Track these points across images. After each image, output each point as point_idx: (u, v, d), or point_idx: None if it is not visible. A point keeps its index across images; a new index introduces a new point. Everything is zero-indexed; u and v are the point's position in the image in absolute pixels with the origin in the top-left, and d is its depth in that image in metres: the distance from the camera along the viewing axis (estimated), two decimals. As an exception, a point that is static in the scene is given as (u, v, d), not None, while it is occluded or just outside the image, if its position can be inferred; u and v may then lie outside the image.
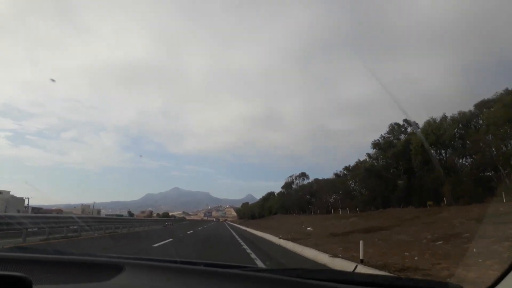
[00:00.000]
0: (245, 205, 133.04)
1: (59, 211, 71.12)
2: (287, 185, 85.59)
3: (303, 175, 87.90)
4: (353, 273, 2.33)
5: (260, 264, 8.08)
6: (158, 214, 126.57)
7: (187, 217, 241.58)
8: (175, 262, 1.85)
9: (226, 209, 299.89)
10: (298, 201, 72.74)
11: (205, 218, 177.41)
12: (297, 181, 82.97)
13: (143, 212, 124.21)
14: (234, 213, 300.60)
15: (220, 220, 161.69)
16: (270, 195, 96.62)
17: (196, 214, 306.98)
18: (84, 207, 71.87)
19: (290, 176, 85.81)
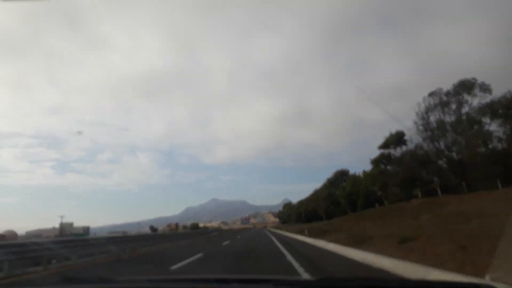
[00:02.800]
0: (288, 205, 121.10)
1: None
2: (330, 184, 74.24)
3: (343, 173, 75.85)
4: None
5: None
6: (184, 226, 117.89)
7: (226, 227, 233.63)
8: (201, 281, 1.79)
9: (265, 214, 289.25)
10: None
11: (243, 226, 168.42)
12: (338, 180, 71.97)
13: (169, 225, 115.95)
14: (274, 219, 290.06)
15: (260, 227, 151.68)
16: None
17: (235, 223, 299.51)
18: (65, 226, 61.19)
19: (334, 174, 73.84)
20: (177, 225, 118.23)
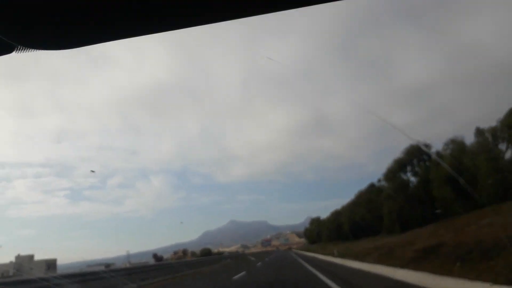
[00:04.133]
0: (316, 221, 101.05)
1: None
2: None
3: (372, 186, 59.51)
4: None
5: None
6: (193, 253, 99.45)
7: (245, 251, 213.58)
8: None
9: (287, 235, 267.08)
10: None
11: (265, 248, 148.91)
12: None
13: (176, 253, 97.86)
14: (298, 239, 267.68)
15: (283, 249, 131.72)
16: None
17: (256, 246, 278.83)
18: (22, 260, 46.51)
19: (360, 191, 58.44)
20: (184, 252, 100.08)
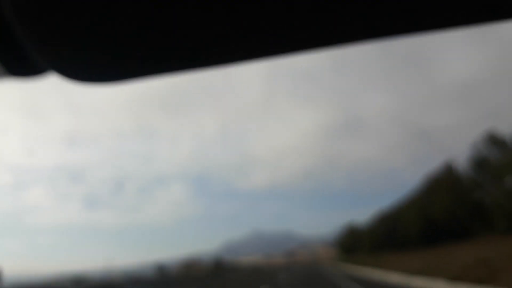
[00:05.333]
0: (351, 228, 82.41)
1: None
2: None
3: (449, 168, 44.69)
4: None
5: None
6: (198, 263, 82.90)
7: (266, 262, 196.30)
8: None
9: (314, 245, 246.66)
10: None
11: (288, 259, 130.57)
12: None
13: (186, 265, 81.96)
14: (325, 250, 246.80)
15: (308, 261, 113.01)
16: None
17: (279, 257, 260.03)
18: None
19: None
20: (191, 263, 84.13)
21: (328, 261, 73.54)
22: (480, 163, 28.69)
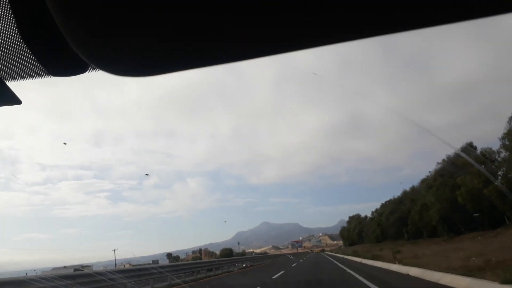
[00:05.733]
0: (356, 219, 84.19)
1: None
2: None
3: (400, 200, 42.73)
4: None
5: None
6: (211, 253, 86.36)
7: (275, 252, 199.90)
8: None
9: (320, 237, 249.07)
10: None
11: (294, 250, 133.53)
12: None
13: (194, 253, 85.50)
14: (330, 241, 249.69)
15: (316, 251, 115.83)
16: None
17: (288, 247, 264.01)
18: None
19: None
20: (200, 252, 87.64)
21: (332, 251, 75.91)
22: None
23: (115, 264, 56.48)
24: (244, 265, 26.10)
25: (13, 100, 0.84)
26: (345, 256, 29.27)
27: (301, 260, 29.19)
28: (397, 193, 56.86)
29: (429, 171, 31.71)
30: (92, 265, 56.30)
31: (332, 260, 25.61)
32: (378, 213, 53.68)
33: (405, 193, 42.08)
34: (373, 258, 16.86)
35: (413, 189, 39.80)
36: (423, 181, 31.79)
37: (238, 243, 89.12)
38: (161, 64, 0.49)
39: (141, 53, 0.46)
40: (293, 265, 22.23)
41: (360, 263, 16.34)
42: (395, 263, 12.26)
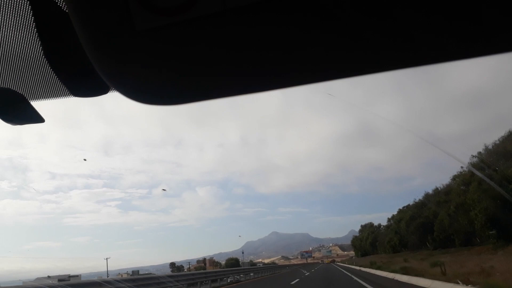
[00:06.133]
0: (368, 227, 78.32)
1: None
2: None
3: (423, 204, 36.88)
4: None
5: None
6: (214, 263, 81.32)
7: (284, 262, 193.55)
8: None
9: (331, 247, 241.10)
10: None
11: (304, 260, 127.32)
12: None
13: (198, 262, 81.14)
14: (341, 252, 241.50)
15: (325, 261, 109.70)
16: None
17: (297, 258, 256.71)
18: None
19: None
20: (205, 262, 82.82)
21: (345, 263, 70.19)
22: None
23: (107, 274, 52.40)
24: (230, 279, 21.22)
25: (37, 119, 0.86)
26: (362, 269, 24.31)
27: (306, 274, 24.29)
28: (409, 201, 51.13)
29: (461, 166, 26.82)
30: (80, 275, 51.83)
31: (347, 273, 20.76)
32: (395, 220, 47.89)
33: (427, 196, 36.93)
34: (406, 272, 12.24)
35: (436, 191, 34.73)
36: (455, 177, 26.71)
37: (242, 253, 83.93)
38: (182, 94, 0.51)
39: (163, 84, 0.48)
40: (294, 281, 17.72)
41: (393, 279, 11.59)
42: (457, 284, 7.65)
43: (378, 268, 19.37)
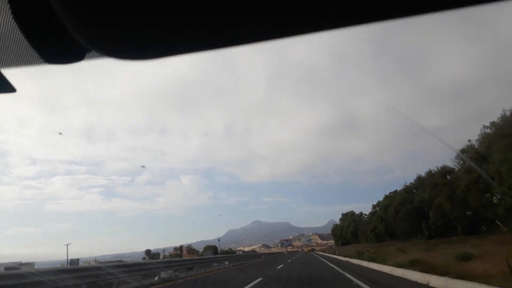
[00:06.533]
0: (350, 216, 75.51)
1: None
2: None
3: (415, 188, 33.30)
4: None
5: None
6: (191, 251, 76.76)
7: (268, 250, 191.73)
8: None
9: (310, 236, 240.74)
10: None
11: (284, 249, 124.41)
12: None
13: (175, 249, 76.72)
14: (320, 241, 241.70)
15: (305, 250, 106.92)
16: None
17: (278, 246, 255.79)
18: None
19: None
20: (181, 249, 77.90)
21: (325, 252, 66.95)
22: None
23: (67, 261, 46.94)
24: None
25: (8, 87, 0.82)
26: (350, 260, 20.05)
27: (278, 268, 19.79)
28: (388, 192, 47.22)
29: (468, 140, 22.62)
30: (34, 262, 45.87)
31: (334, 266, 16.34)
32: (381, 206, 43.88)
33: (419, 179, 32.78)
34: (427, 270, 7.87)
35: (430, 173, 30.65)
36: (464, 151, 22.24)
37: (218, 240, 79.30)
38: (159, 46, 0.49)
39: (140, 35, 0.47)
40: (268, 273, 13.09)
41: (419, 283, 7.06)
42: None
43: (372, 260, 15.02)
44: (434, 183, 25.75)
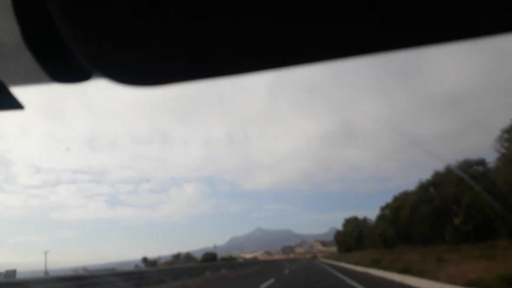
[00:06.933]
0: (353, 221, 70.17)
1: None
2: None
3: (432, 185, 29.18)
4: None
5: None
6: (189, 258, 71.94)
7: (267, 257, 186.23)
8: None
9: (312, 242, 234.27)
10: None
11: (286, 255, 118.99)
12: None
13: (174, 256, 72.43)
14: (322, 247, 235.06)
15: (307, 257, 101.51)
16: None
17: (279, 253, 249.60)
18: None
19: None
20: (178, 256, 73.23)
21: (328, 258, 61.65)
22: None
23: (45, 270, 42.48)
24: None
25: (16, 105, 0.82)
26: (367, 270, 15.25)
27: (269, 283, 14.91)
28: (388, 200, 42.43)
29: (501, 129, 17.98)
30: (15, 270, 41.47)
31: (342, 277, 11.54)
32: (391, 208, 38.79)
33: (437, 175, 27.87)
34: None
35: (448, 169, 25.91)
36: (506, 131, 17.35)
37: (214, 247, 74.51)
38: (165, 75, 0.49)
39: (146, 64, 0.47)
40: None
41: None
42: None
43: (405, 271, 10.24)
44: (468, 174, 20.75)
